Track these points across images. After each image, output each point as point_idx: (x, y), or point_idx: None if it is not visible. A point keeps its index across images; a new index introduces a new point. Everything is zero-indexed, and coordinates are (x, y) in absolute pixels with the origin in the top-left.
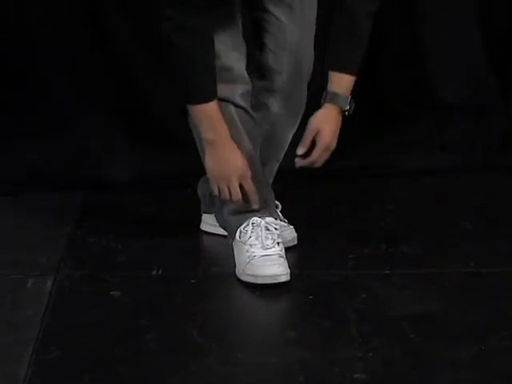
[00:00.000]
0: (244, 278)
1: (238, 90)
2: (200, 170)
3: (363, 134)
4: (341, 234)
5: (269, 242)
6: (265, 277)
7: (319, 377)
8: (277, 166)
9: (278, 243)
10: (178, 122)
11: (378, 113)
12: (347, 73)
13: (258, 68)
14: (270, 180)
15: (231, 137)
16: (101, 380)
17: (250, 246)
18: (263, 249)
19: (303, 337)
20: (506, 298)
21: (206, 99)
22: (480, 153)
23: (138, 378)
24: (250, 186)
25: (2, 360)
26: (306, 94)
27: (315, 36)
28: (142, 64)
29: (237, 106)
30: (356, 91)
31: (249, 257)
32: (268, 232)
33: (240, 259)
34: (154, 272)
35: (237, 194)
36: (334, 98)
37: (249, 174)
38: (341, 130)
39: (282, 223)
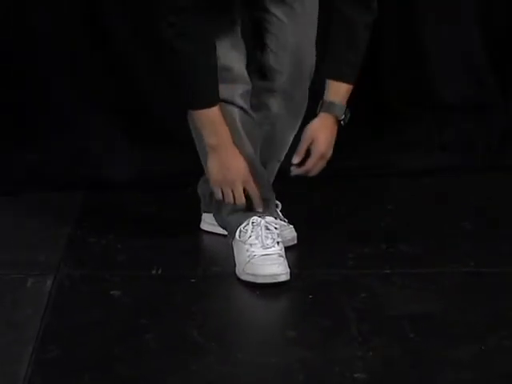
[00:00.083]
0: (244, 278)
1: (237, 90)
2: (200, 170)
3: (363, 134)
4: (341, 234)
5: (269, 241)
6: (265, 276)
7: (319, 376)
8: (277, 166)
9: (278, 242)
10: (178, 122)
11: (378, 113)
12: (344, 81)
13: (259, 68)
14: (271, 180)
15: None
16: (101, 379)
17: (250, 245)
18: (263, 248)
19: (303, 336)
20: (505, 298)
21: (209, 104)
22: (480, 153)
23: (138, 378)
24: (253, 190)
25: (2, 359)
26: (307, 94)
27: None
28: (142, 64)
29: (236, 106)
30: (356, 91)
31: (249, 256)
32: (268, 231)
33: (240, 258)
34: (153, 271)
35: (241, 198)
36: (330, 107)
37: (251, 178)
38: (339, 131)
39: (282, 223)
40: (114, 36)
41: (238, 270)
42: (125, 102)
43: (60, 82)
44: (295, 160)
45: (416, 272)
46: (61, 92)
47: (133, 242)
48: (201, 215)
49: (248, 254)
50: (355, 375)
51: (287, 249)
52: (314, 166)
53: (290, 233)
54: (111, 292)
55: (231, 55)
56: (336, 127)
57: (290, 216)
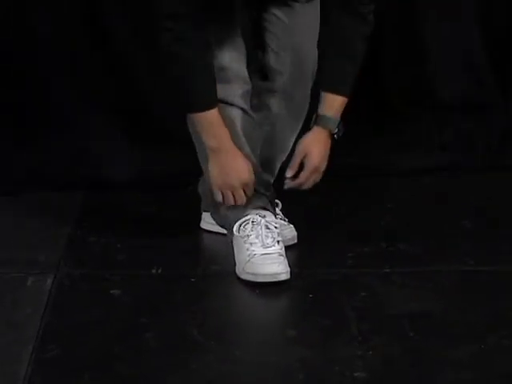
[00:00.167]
0: (244, 277)
1: (237, 91)
2: (199, 170)
3: (363, 134)
4: (341, 233)
5: (269, 240)
6: (265, 275)
7: (319, 375)
8: (278, 166)
9: (278, 242)
10: (178, 122)
11: (378, 111)
12: (339, 94)
13: (259, 68)
14: (271, 180)
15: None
16: (101, 378)
17: (250, 244)
18: (263, 247)
19: (303, 335)
20: (505, 297)
21: (207, 107)
22: (480, 153)
23: (138, 377)
24: (252, 193)
25: (2, 358)
26: (308, 95)
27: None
28: (142, 64)
29: (236, 106)
30: (357, 89)
31: (249, 255)
32: (268, 230)
33: (240, 257)
34: (153, 270)
35: (242, 200)
36: (324, 121)
37: (252, 180)
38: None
39: (282, 222)
40: (114, 36)
41: (238, 269)
42: (125, 101)
43: (60, 82)
44: (288, 174)
45: (416, 271)
46: (61, 92)
47: (133, 242)
48: (201, 214)
49: (248, 253)
50: (355, 374)
51: (287, 248)
52: (307, 179)
53: (290, 232)
54: (111, 291)
55: (231, 55)
56: (329, 141)
57: (290, 215)
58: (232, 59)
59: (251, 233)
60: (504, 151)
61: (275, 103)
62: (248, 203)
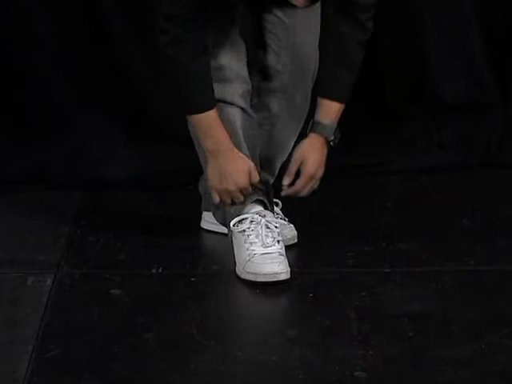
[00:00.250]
0: (244, 276)
1: (237, 90)
2: (199, 169)
3: (362, 133)
4: (341, 233)
5: (269, 240)
6: (265, 275)
7: (319, 375)
8: (278, 166)
9: (279, 241)
10: (178, 122)
11: (377, 111)
12: (336, 100)
13: (260, 68)
14: (271, 180)
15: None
16: (100, 378)
17: (250, 244)
18: (263, 247)
19: (303, 335)
20: (504, 297)
21: (204, 109)
22: (479, 152)
23: (138, 376)
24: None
25: (2, 358)
26: (309, 95)
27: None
28: (142, 64)
29: (236, 106)
30: (356, 89)
31: (249, 255)
32: (268, 230)
33: (240, 257)
34: (153, 270)
35: (240, 202)
36: (320, 127)
37: (255, 180)
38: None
39: (282, 221)
40: (114, 36)
41: (238, 269)
42: (124, 102)
43: (60, 82)
44: (285, 181)
45: (415, 270)
46: (60, 92)
47: (132, 241)
48: (201, 214)
49: (248, 252)
50: (355, 374)
51: (287, 247)
52: (303, 186)
53: (290, 231)
54: (111, 291)
55: (231, 55)
56: (326, 148)
57: (290, 215)
58: (232, 59)
59: (251, 232)
60: (503, 151)
61: (275, 103)
62: (247, 199)
